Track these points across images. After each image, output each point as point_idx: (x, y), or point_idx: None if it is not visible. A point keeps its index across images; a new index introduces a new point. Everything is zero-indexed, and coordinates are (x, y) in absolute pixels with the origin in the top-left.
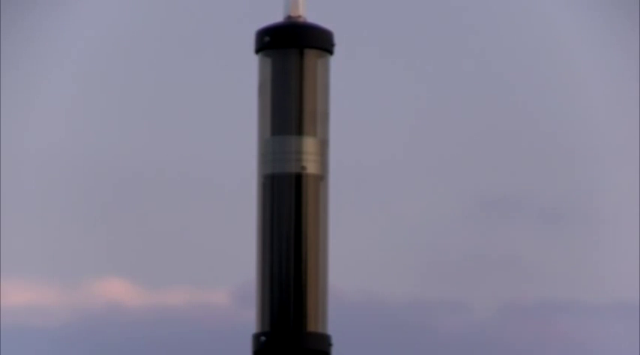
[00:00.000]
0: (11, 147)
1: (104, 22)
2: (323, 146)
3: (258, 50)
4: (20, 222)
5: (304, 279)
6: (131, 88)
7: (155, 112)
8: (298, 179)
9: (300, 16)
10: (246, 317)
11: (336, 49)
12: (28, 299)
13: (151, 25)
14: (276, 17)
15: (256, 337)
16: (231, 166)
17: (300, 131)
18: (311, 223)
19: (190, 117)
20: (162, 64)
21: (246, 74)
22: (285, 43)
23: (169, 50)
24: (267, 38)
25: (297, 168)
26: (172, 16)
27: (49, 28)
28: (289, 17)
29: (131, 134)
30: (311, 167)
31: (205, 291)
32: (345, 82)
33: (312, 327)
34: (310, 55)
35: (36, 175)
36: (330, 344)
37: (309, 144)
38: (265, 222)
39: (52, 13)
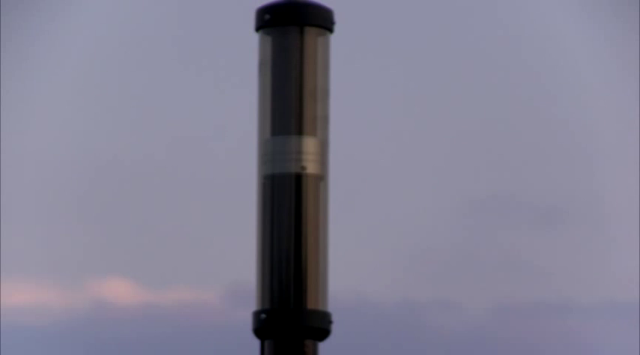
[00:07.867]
0: (11, 147)
1: (101, 14)
2: (323, 125)
3: (258, 28)
4: (20, 222)
5: (304, 257)
6: (130, 86)
7: (155, 111)
8: (298, 179)
9: None
10: (241, 316)
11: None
12: (28, 299)
13: (148, 16)
14: None
15: (256, 314)
16: (232, 166)
17: (300, 131)
18: (311, 223)
19: (190, 116)
20: (160, 59)
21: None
22: (286, 20)
23: (167, 42)
24: (267, 16)
25: (297, 168)
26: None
27: (49, 28)
28: None
29: (130, 133)
30: (311, 167)
31: (204, 291)
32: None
33: (312, 305)
34: (310, 32)
35: (36, 175)
36: (330, 322)
37: (309, 144)
38: (265, 222)
39: (52, 14)
